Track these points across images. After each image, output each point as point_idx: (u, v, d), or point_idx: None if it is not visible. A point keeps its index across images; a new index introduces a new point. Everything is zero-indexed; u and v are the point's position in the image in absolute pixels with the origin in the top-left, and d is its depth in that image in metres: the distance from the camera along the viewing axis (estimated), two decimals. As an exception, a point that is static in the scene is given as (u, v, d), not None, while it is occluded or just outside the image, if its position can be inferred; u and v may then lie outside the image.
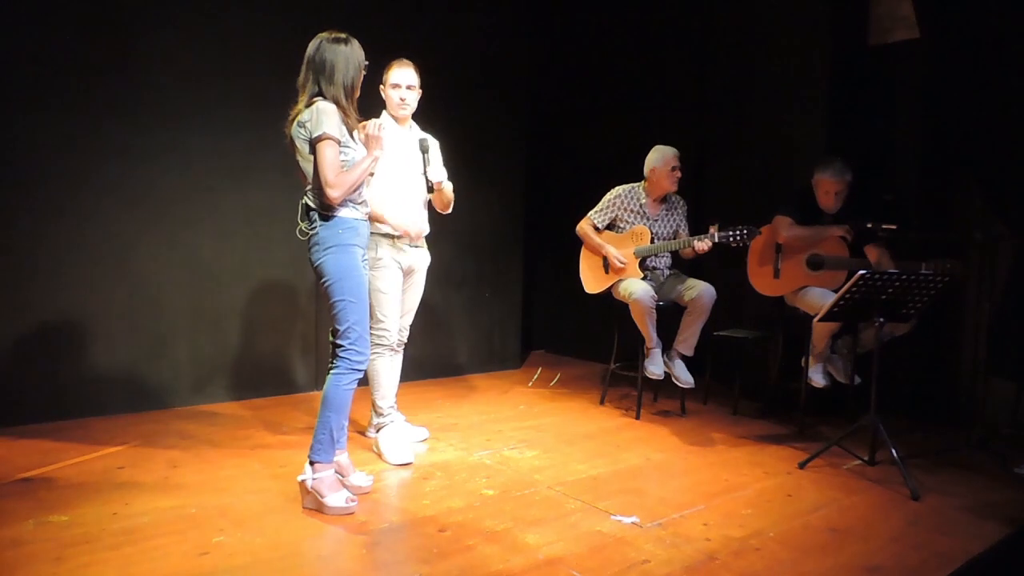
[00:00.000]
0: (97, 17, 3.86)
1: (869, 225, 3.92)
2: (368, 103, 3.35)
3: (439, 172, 3.54)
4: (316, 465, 2.80)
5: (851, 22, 4.58)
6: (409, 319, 3.71)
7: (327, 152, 2.67)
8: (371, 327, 3.48)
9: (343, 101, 2.73)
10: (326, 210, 2.75)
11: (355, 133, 2.80)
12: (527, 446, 3.71)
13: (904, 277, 3.18)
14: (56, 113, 3.79)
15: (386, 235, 3.47)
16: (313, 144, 2.70)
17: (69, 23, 3.80)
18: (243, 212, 4.33)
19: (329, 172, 2.67)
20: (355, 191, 2.78)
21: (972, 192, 4.21)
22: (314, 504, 2.80)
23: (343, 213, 2.77)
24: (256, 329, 4.40)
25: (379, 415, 3.55)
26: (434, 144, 3.62)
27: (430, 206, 3.68)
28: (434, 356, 5.01)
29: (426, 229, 3.63)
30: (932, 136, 4.35)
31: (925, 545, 2.68)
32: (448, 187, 3.58)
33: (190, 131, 4.14)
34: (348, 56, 2.75)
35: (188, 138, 4.14)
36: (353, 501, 2.81)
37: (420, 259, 3.63)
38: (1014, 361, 3.95)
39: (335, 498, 2.77)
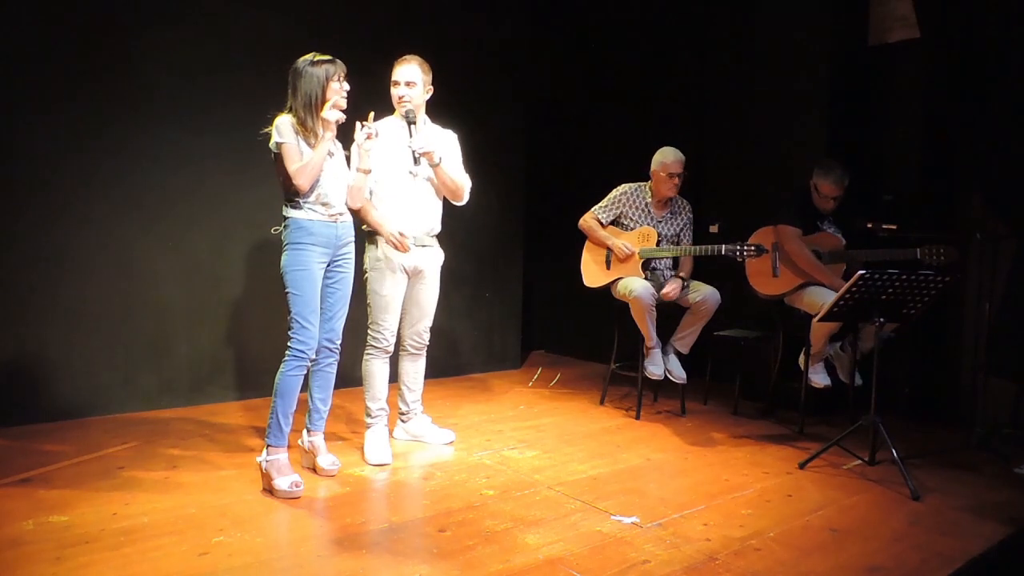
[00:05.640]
0: (97, 17, 3.86)
1: (869, 225, 3.93)
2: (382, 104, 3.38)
3: (424, 142, 3.35)
4: (269, 448, 3.01)
5: (851, 22, 4.58)
6: (428, 321, 3.64)
7: (286, 153, 2.93)
8: (368, 329, 3.49)
9: (301, 113, 2.95)
10: (285, 213, 3.03)
11: (311, 140, 2.99)
12: (527, 446, 3.71)
13: (904, 277, 3.18)
14: (55, 113, 3.79)
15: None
16: (275, 154, 2.98)
17: (69, 23, 3.79)
18: (243, 212, 4.33)
19: (291, 167, 2.92)
20: (316, 181, 2.97)
21: (972, 192, 4.21)
22: (267, 485, 2.99)
23: (296, 215, 3.00)
24: (256, 329, 4.41)
25: (367, 415, 3.52)
26: (450, 140, 3.57)
27: (445, 203, 3.60)
28: (434, 356, 4.99)
29: (436, 228, 3.57)
30: (932, 136, 4.35)
31: (925, 545, 2.68)
32: (449, 168, 3.44)
33: (190, 131, 4.14)
34: (311, 74, 2.95)
35: (188, 138, 4.14)
36: (298, 487, 2.94)
37: (427, 259, 3.54)
38: (1014, 361, 3.95)
39: (282, 481, 2.95)
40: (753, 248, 3.84)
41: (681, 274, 4.16)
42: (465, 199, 3.60)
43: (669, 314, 4.21)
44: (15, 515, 2.68)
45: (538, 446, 3.71)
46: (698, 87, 5.29)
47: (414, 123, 3.37)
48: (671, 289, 4.07)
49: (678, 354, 4.20)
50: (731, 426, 4.17)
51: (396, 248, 3.39)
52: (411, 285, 3.54)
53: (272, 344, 4.40)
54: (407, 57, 3.43)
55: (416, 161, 3.38)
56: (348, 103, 3.04)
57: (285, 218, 3.03)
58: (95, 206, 3.93)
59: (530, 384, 5.16)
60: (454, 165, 3.53)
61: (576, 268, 4.45)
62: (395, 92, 3.42)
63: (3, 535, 2.53)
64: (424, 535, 2.66)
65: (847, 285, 3.19)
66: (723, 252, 3.90)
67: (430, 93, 3.48)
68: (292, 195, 2.99)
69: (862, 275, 3.13)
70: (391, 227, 3.37)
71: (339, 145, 3.12)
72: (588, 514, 2.87)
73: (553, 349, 6.36)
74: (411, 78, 3.39)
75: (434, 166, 3.42)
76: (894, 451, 3.24)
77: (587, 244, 4.44)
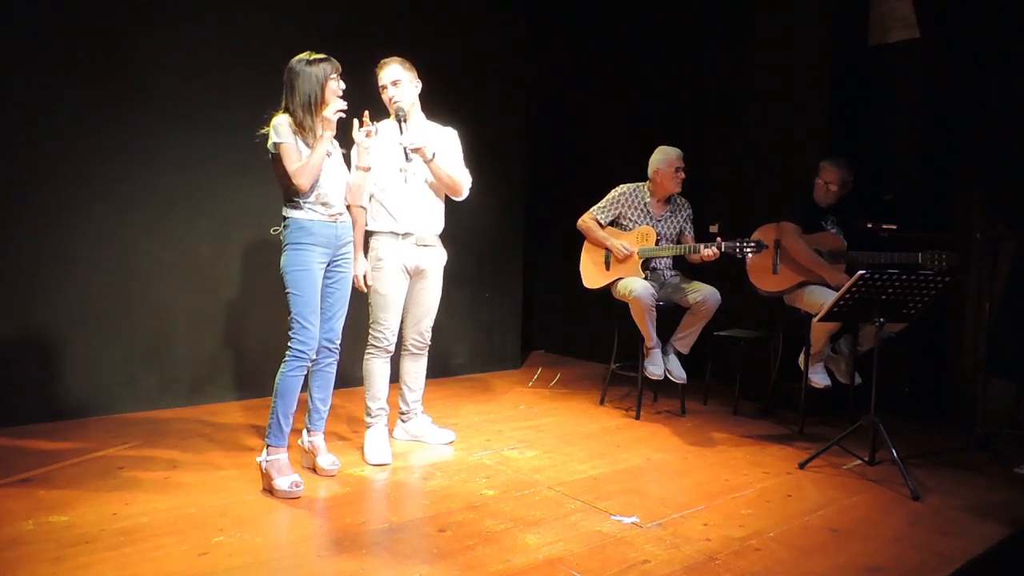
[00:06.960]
0: (96, 17, 3.86)
1: (869, 225, 3.93)
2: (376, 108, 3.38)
3: (413, 138, 3.32)
4: (269, 448, 3.01)
5: (851, 22, 4.58)
6: (429, 321, 3.64)
7: (285, 153, 2.92)
8: (369, 328, 3.49)
9: (300, 114, 2.94)
10: (285, 213, 3.03)
11: (309, 140, 2.98)
12: (527, 446, 3.71)
13: (904, 277, 3.17)
14: (56, 113, 3.79)
15: (389, 232, 3.43)
16: (272, 155, 2.96)
17: (69, 23, 3.79)
18: (243, 212, 4.33)
19: (290, 167, 2.91)
20: (316, 181, 2.97)
21: (972, 192, 4.21)
22: (267, 485, 2.99)
23: (296, 215, 3.00)
24: (256, 329, 4.41)
25: (367, 415, 3.52)
26: (450, 136, 3.57)
27: (447, 200, 3.60)
28: (434, 356, 4.99)
29: (438, 228, 3.57)
30: (932, 136, 4.35)
31: (925, 545, 2.68)
32: (444, 164, 3.42)
33: (190, 131, 4.14)
34: (309, 73, 2.94)
35: (188, 138, 4.14)
36: (298, 487, 2.95)
37: (430, 259, 3.54)
38: (1014, 361, 3.95)
39: (282, 481, 2.95)
40: (753, 244, 3.84)
41: (713, 240, 3.98)
42: (465, 194, 3.59)
43: (669, 314, 4.21)
44: (15, 515, 2.68)
45: (538, 446, 3.71)
46: (698, 87, 5.29)
47: (404, 120, 3.36)
48: (709, 252, 3.92)
49: (678, 354, 4.20)
50: (731, 426, 4.17)
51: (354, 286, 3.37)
52: (413, 284, 3.54)
53: (272, 344, 4.40)
54: (385, 60, 3.42)
55: (407, 158, 3.35)
56: (347, 102, 3.04)
57: (285, 218, 3.03)
58: (95, 206, 3.93)
59: (530, 384, 5.16)
60: (452, 161, 3.51)
61: (576, 268, 4.45)
62: (385, 96, 3.42)
63: (3, 535, 2.53)
64: (424, 535, 2.66)
65: (847, 285, 3.19)
66: (723, 248, 3.90)
67: (419, 87, 3.47)
68: (291, 195, 2.99)
69: (862, 275, 3.13)
70: (359, 268, 3.33)
71: (336, 144, 3.12)
72: (588, 514, 2.87)
73: (553, 349, 6.36)
74: (395, 77, 3.38)
75: (427, 162, 3.41)
76: (894, 451, 3.24)
77: (586, 245, 4.43)
